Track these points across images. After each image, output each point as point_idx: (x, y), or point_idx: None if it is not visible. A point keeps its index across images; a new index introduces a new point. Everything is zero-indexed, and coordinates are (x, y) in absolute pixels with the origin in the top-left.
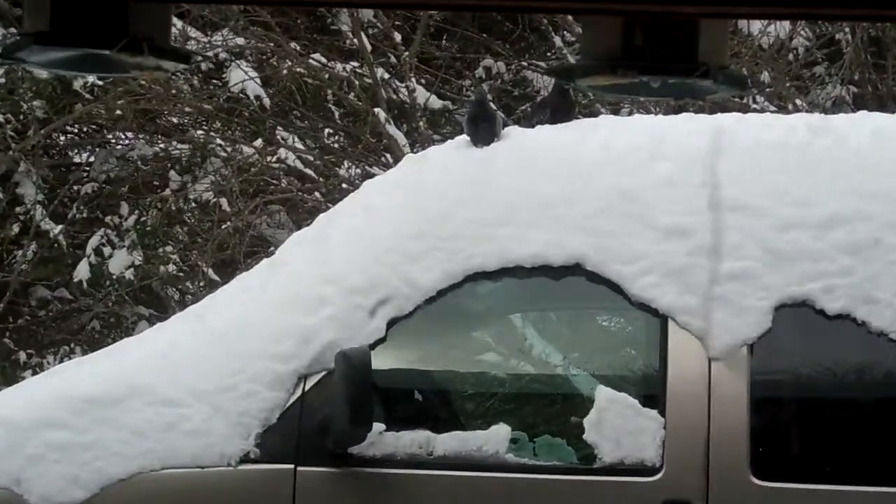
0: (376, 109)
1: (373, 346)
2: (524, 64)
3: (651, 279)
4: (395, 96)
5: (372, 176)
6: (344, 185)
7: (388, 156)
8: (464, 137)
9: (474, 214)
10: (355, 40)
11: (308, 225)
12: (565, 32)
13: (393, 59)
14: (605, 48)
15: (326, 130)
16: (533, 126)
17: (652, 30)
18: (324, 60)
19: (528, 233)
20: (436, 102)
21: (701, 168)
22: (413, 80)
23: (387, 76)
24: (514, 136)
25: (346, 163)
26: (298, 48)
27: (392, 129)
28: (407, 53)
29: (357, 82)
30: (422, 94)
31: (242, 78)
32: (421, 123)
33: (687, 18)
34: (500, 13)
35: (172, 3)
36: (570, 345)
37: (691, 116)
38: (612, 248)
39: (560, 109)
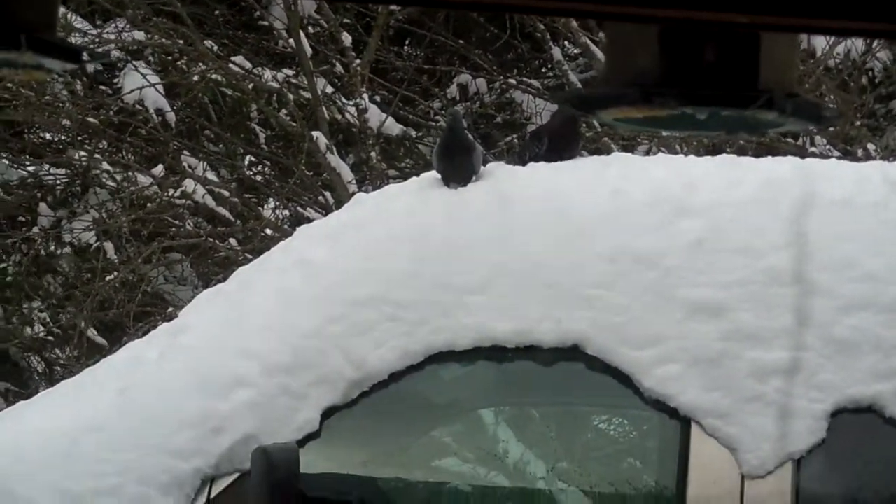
0: (315, 133)
1: (302, 443)
2: (512, 81)
3: (671, 369)
4: (340, 117)
5: (307, 220)
6: (269, 231)
7: (329, 195)
8: (431, 174)
9: (443, 277)
10: (291, 41)
11: (220, 281)
12: (566, 43)
13: (339, 69)
14: (635, 69)
15: (248, 158)
16: (524, 163)
17: (698, 45)
18: (248, 66)
19: (511, 303)
20: (394, 127)
21: (742, 229)
22: (365, 96)
23: (330, 90)
24: (498, 176)
25: (272, 201)
26: (216, 48)
27: (335, 160)
28: (358, 61)
29: (291, 96)
30: (376, 116)
31: (140, 84)
32: (373, 153)
33: (742, 30)
34: (487, 13)
35: None
36: (558, 451)
37: (731, 160)
38: (622, 328)
39: (560, 142)
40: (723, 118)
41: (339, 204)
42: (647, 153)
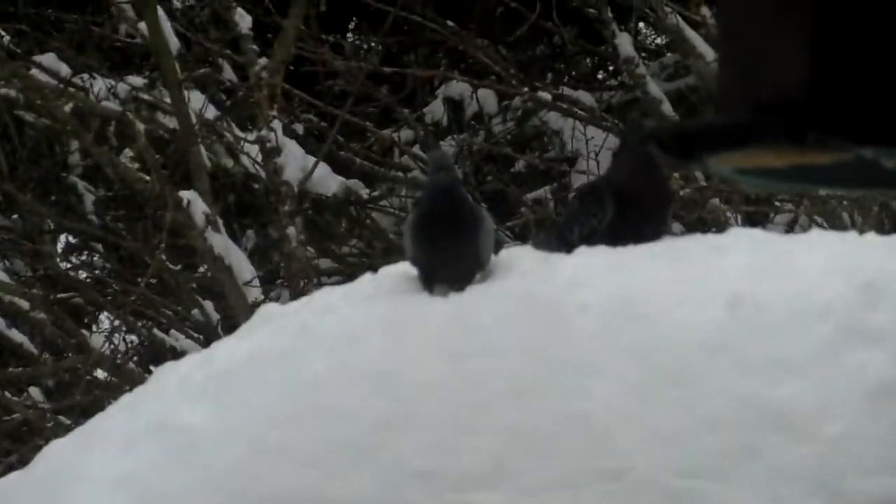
0: (186, 194)
1: None
2: (544, 95)
3: None
4: (231, 163)
5: (173, 354)
6: (102, 374)
7: (211, 305)
8: (398, 269)
9: (422, 457)
10: (142, 26)
11: (20, 464)
12: (641, 25)
13: (230, 76)
14: (771, 84)
15: (64, 239)
16: (570, 246)
17: (877, 43)
18: (66, 71)
19: (551, 501)
20: (329, 180)
21: None
22: (277, 124)
23: (215, 114)
24: (523, 271)
25: (106, 318)
26: (8, 40)
27: (222, 242)
28: (265, 61)
29: (141, 126)
30: (296, 160)
31: None
32: (292, 230)
33: None
34: None
35: None
36: None
37: None
38: None
39: (635, 206)
40: None
41: (230, 324)
42: (792, 228)
